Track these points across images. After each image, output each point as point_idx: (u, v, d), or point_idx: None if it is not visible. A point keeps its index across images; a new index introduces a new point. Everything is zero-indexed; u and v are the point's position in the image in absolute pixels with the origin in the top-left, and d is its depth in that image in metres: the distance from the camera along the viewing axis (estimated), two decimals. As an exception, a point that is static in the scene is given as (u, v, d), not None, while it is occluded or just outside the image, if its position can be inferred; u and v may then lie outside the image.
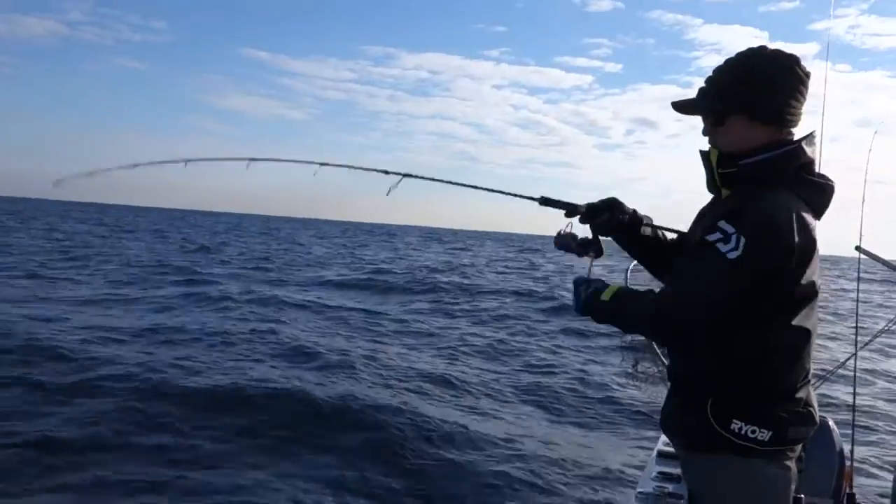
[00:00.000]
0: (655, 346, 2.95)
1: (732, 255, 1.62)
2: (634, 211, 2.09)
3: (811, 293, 1.73)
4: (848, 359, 3.78)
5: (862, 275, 3.74)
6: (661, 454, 2.85)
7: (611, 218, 2.05)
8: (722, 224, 1.66)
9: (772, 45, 1.82)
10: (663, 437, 3.08)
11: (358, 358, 9.24)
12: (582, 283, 1.90)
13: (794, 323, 1.72)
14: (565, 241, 2.07)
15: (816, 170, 1.81)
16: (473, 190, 2.43)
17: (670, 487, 2.55)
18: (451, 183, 2.53)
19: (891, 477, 3.03)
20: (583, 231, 2.08)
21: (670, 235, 2.14)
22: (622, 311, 1.80)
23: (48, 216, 62.58)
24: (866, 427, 7.92)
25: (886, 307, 19.76)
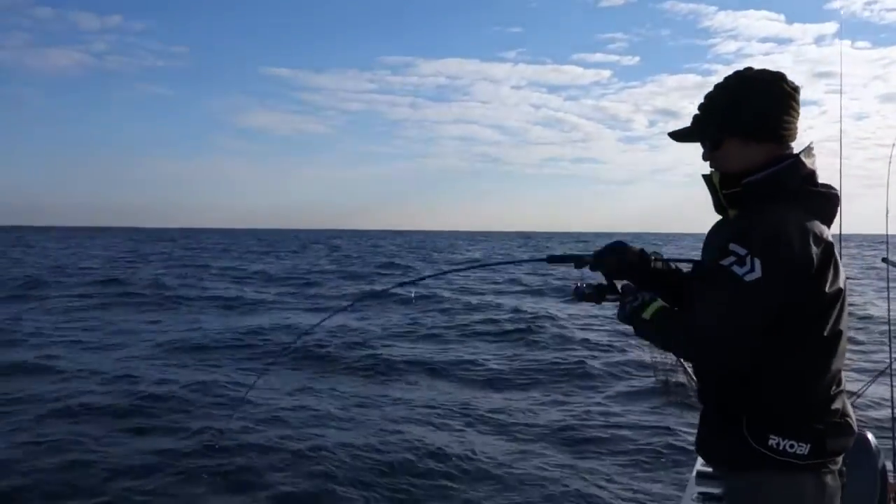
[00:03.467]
0: (686, 367, 2.94)
1: (750, 278, 1.62)
2: (642, 249, 2.10)
3: (835, 301, 1.72)
4: (885, 369, 3.74)
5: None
6: (700, 475, 2.84)
7: (619, 259, 2.06)
8: (733, 247, 1.66)
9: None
10: (701, 459, 3.07)
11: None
12: (630, 294, 1.90)
13: (822, 333, 1.71)
14: (582, 292, 2.08)
15: (824, 178, 1.82)
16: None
17: None
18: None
19: None
20: (597, 279, 2.10)
21: (685, 268, 2.14)
22: (659, 333, 1.81)
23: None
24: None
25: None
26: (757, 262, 1.62)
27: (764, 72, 1.84)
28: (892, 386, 3.69)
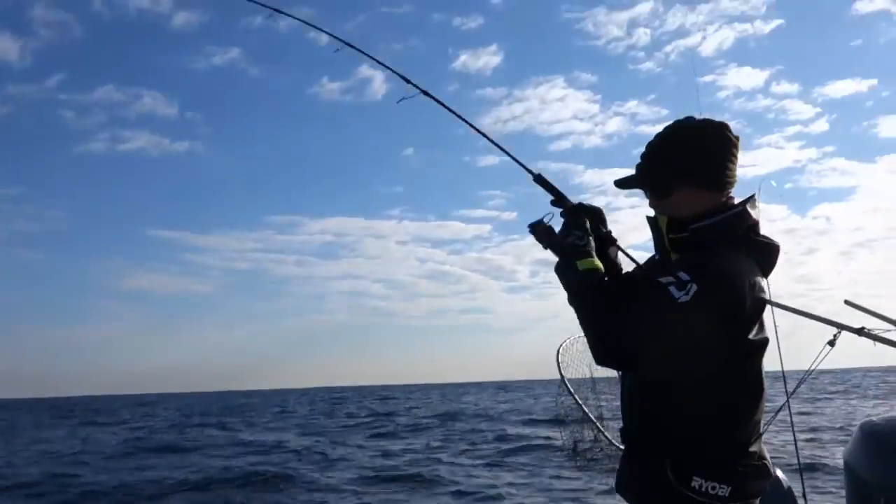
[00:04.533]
0: (598, 424, 2.88)
1: (682, 300, 1.61)
2: (609, 231, 2.07)
3: (761, 349, 1.76)
4: (782, 406, 3.81)
5: None
6: None
7: (591, 222, 1.99)
8: (680, 273, 1.67)
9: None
10: None
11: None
12: (578, 229, 1.88)
13: (746, 378, 1.74)
14: (539, 228, 2.02)
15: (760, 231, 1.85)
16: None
17: None
18: (460, 117, 2.33)
19: None
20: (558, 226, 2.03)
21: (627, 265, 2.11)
22: (579, 293, 1.77)
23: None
24: (813, 470, 8.01)
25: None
26: (693, 289, 1.62)
27: (709, 121, 1.86)
28: (791, 421, 3.76)
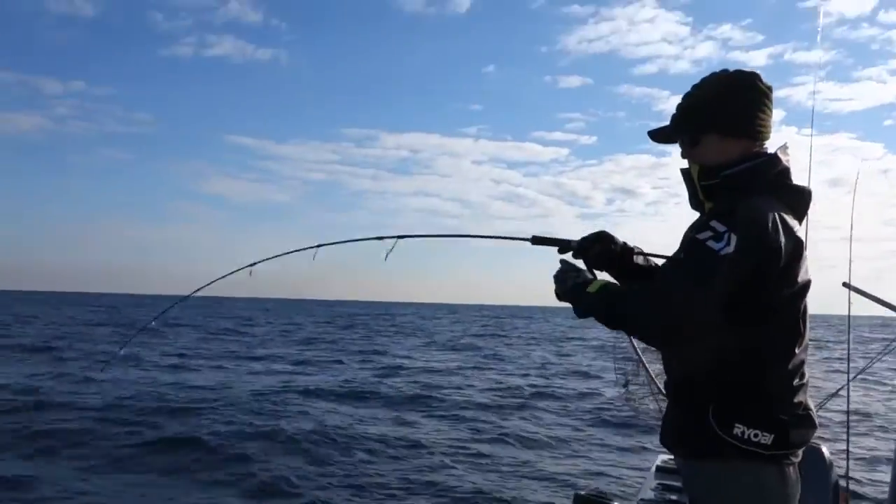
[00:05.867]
0: (646, 365, 2.92)
1: (724, 252, 1.60)
2: (625, 242, 2.12)
3: (801, 294, 1.75)
4: (841, 388, 3.76)
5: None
6: (659, 469, 2.79)
7: (602, 250, 2.07)
8: (713, 223, 1.67)
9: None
10: (661, 456, 3.01)
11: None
12: (571, 270, 1.90)
13: (788, 324, 1.73)
14: (563, 278, 1.98)
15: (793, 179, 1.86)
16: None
17: (673, 496, 2.45)
18: (444, 236, 2.61)
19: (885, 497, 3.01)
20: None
21: (661, 262, 2.12)
22: (609, 307, 1.74)
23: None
24: (861, 457, 7.89)
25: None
26: (733, 238, 1.61)
27: (740, 72, 1.89)
28: (847, 400, 3.71)
